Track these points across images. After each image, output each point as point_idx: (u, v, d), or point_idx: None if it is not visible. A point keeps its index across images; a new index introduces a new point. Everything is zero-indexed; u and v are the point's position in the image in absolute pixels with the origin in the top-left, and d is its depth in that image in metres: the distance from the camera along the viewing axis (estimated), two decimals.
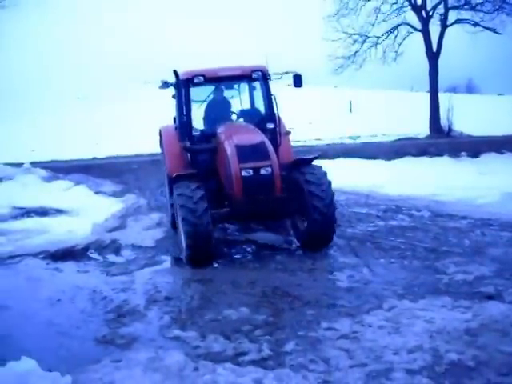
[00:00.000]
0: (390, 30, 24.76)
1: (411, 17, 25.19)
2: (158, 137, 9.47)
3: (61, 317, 5.38)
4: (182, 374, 3.86)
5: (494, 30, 23.94)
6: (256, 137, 7.71)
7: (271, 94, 8.46)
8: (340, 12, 24.22)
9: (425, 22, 24.62)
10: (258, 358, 4.13)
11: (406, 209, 10.22)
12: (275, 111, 8.39)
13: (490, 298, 5.31)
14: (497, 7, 23.41)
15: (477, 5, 23.92)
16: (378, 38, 24.64)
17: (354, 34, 24.62)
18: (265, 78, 8.58)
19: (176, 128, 8.82)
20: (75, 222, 9.84)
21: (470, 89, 62.34)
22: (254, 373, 3.80)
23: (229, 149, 7.43)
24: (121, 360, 4.13)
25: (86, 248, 8.19)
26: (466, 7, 24.21)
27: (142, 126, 24.41)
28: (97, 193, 12.94)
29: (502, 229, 8.44)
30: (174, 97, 9.21)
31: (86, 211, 10.78)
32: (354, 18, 24.62)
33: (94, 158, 17.41)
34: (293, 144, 9.51)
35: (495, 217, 9.19)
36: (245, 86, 9.34)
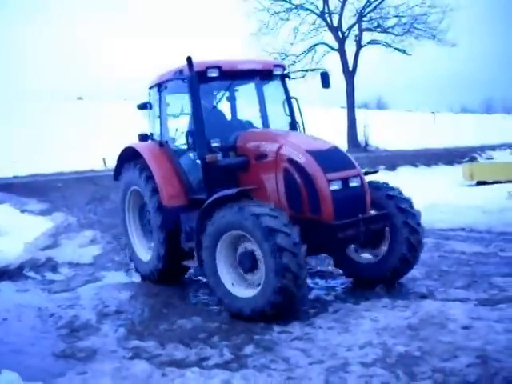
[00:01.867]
0: (308, 49, 25.82)
1: (328, 37, 26.42)
2: (118, 159, 7.71)
3: (11, 335, 5.31)
4: (151, 380, 3.98)
5: (403, 51, 25.61)
6: (323, 141, 6.32)
7: (291, 97, 7.18)
8: (261, 31, 25.00)
9: (341, 41, 25.90)
10: (221, 361, 4.32)
11: None
12: (300, 118, 7.14)
13: (423, 297, 5.78)
14: (406, 30, 25.15)
15: (388, 28, 25.55)
16: (296, 56, 25.62)
17: (274, 53, 25.45)
18: (285, 76, 7.18)
19: (161, 145, 7.11)
20: (4, 241, 9.56)
21: (381, 105, 65.41)
22: (221, 375, 3.98)
23: (300, 157, 5.76)
24: (86, 372, 4.19)
25: (21, 267, 8.07)
26: (378, 29, 25.78)
27: (62, 143, 23.90)
28: (23, 211, 12.53)
29: (426, 236, 9.06)
30: (149, 107, 7.64)
31: (14, 230, 10.45)
32: (274, 38, 25.50)
33: (16, 177, 16.87)
34: None
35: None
36: (255, 86, 7.32)
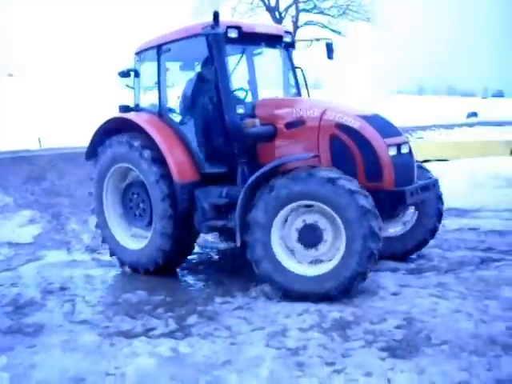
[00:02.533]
0: None
1: (266, 17, 26.67)
2: (96, 133, 6.84)
3: None
4: (101, 350, 4.14)
5: (339, 33, 26.20)
6: (360, 108, 6.10)
7: (296, 67, 6.80)
8: (199, 11, 24.96)
9: (278, 22, 26.20)
10: (166, 331, 4.50)
11: None
12: (306, 89, 6.83)
13: None
14: (341, 13, 25.74)
15: (324, 9, 26.06)
16: None
17: None
18: (290, 44, 6.70)
19: (160, 115, 6.44)
20: None
21: (317, 86, 66.30)
22: (167, 343, 4.19)
23: (352, 122, 5.40)
24: (35, 345, 4.30)
25: None
26: (315, 11, 26.25)
27: None
28: None
29: None
30: (135, 75, 6.91)
31: None
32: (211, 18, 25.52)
33: None
34: None
35: None
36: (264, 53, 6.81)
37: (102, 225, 6.88)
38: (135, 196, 6.61)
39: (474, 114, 38.04)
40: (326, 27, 26.25)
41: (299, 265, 5.15)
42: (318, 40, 6.99)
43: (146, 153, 6.15)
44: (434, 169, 13.41)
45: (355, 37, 28.73)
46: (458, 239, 7.25)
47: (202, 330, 4.49)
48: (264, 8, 26.28)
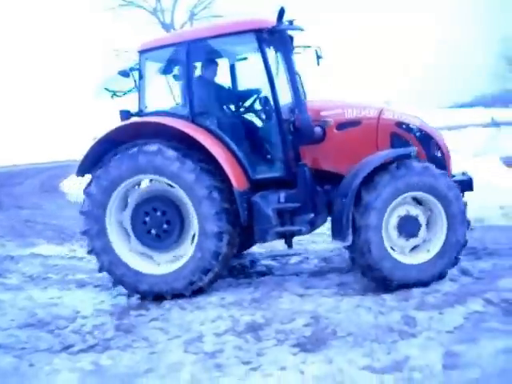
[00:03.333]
0: None
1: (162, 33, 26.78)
2: (99, 142, 5.87)
3: None
4: (20, 371, 4.15)
5: None
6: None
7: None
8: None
9: None
10: (85, 346, 4.56)
11: None
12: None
13: (263, 274, 6.47)
14: None
15: None
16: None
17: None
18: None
19: (194, 119, 5.87)
20: None
21: None
22: (88, 357, 4.27)
23: (413, 120, 5.94)
24: None
25: None
26: None
27: None
28: None
29: None
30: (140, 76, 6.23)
31: None
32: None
33: None
34: None
35: None
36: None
37: (104, 249, 5.85)
38: (156, 214, 5.82)
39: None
40: None
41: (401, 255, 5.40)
42: (308, 47, 6.44)
43: (190, 163, 5.56)
44: None
45: None
46: None
47: (120, 342, 4.60)
48: (159, 25, 26.49)
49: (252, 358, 4.07)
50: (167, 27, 26.44)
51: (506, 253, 6.48)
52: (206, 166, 5.62)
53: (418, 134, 5.92)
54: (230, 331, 4.64)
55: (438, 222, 5.39)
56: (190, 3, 26.58)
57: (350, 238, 5.25)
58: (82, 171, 6.12)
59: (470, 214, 5.62)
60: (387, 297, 5.15)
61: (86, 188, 5.91)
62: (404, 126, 5.92)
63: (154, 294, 5.71)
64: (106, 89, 6.70)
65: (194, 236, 5.74)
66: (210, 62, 6.37)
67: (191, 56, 5.93)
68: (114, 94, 6.72)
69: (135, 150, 5.68)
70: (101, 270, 5.94)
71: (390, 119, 5.92)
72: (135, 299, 5.79)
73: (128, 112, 6.37)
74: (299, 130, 5.63)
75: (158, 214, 5.81)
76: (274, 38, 5.53)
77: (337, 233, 5.42)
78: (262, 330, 4.61)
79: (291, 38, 6.07)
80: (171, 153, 5.59)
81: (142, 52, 6.23)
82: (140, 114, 6.30)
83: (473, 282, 5.45)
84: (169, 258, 5.96)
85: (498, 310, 4.62)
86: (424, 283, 5.28)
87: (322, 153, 5.88)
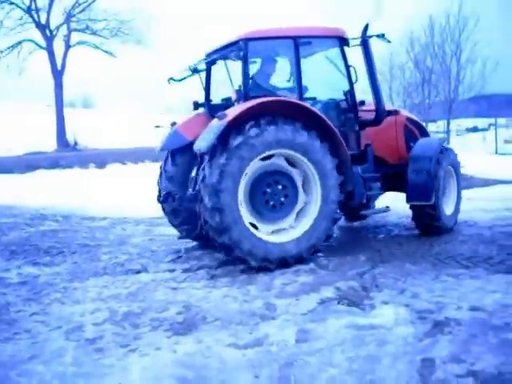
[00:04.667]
0: (13, 45, 25.02)
1: (38, 34, 25.95)
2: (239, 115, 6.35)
3: None
4: None
5: (111, 54, 26.73)
6: None
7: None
8: None
9: (49, 40, 25.68)
10: None
11: (52, 215, 11.26)
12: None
13: (138, 272, 6.88)
14: (113, 34, 26.31)
15: (97, 30, 26.36)
16: (1, 52, 24.63)
17: None
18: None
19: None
20: None
21: (88, 105, 65.38)
22: None
23: (415, 117, 9.26)
24: None
25: None
26: (87, 31, 26.36)
27: None
28: None
29: (137, 224, 10.33)
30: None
31: None
32: None
33: None
34: None
35: (130, 215, 11.07)
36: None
37: (235, 221, 6.33)
38: (277, 189, 6.79)
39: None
40: (98, 48, 26.59)
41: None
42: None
43: (318, 141, 6.75)
44: None
45: (127, 57, 29.66)
46: None
47: (1, 335, 4.80)
48: (33, 24, 25.57)
49: (130, 342, 4.50)
50: (42, 27, 25.59)
51: (353, 247, 7.47)
52: (328, 145, 6.90)
53: (418, 126, 8.79)
54: (108, 321, 5.03)
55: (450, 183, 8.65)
56: (68, 4, 26.05)
57: (433, 198, 7.87)
58: (209, 147, 6.41)
59: None
60: (251, 288, 5.82)
61: (215, 159, 6.36)
62: (411, 121, 8.74)
63: (280, 261, 6.54)
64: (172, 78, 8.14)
65: (299, 210, 6.98)
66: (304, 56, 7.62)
67: (298, 49, 7.14)
68: (172, 79, 8.15)
69: (273, 126, 6.51)
70: (223, 246, 6.49)
71: (404, 116, 8.70)
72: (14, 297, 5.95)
73: (197, 102, 8.07)
74: (376, 116, 7.70)
75: (279, 187, 6.81)
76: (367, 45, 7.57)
77: (421, 196, 7.91)
78: (139, 318, 5.05)
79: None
80: (304, 131, 6.66)
81: (247, 40, 7.03)
82: (208, 103, 7.97)
83: (327, 274, 6.27)
84: (270, 229, 6.81)
85: (345, 295, 5.44)
86: None
87: (367, 137, 7.88)
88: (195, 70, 8.00)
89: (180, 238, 8.15)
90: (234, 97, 7.65)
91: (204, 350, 4.24)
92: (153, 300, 5.56)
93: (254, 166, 6.59)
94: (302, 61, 7.30)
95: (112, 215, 11.32)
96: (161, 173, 7.96)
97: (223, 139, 6.39)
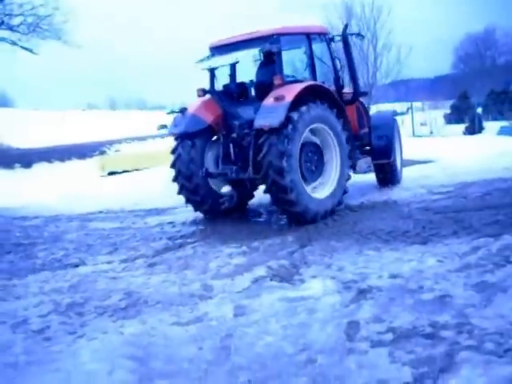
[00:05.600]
0: None
1: None
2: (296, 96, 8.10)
3: None
4: None
5: (30, 50, 25.97)
6: None
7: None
8: None
9: None
10: None
11: None
12: None
13: (77, 265, 7.04)
14: (32, 30, 25.53)
15: (14, 26, 25.49)
16: None
17: None
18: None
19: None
20: None
21: (5, 103, 62.93)
22: None
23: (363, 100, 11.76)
24: None
25: None
26: (3, 27, 25.46)
27: None
28: None
29: (70, 220, 10.40)
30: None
31: None
32: None
33: None
34: None
35: (62, 213, 11.10)
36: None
37: (295, 183, 8.00)
38: (311, 155, 8.62)
39: (165, 126, 41.18)
40: (15, 44, 25.75)
41: None
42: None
43: (338, 118, 8.83)
44: (133, 178, 14.92)
45: (48, 54, 28.83)
46: (159, 232, 8.70)
47: None
48: None
49: (77, 329, 4.72)
50: None
51: (281, 229, 7.93)
52: (341, 120, 8.96)
53: (364, 106, 10.81)
54: (53, 312, 5.21)
55: None
56: None
57: (392, 156, 10.62)
58: (281, 122, 7.88)
59: None
60: (188, 272, 6.14)
61: (283, 131, 7.91)
62: (361, 103, 10.62)
63: (323, 215, 8.42)
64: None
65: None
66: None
67: (311, 44, 9.16)
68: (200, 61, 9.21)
69: (314, 105, 8.35)
70: (287, 202, 8.06)
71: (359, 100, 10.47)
72: None
73: (204, 90, 9.26)
74: (353, 96, 10.01)
75: (315, 156, 8.70)
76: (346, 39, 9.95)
77: (384, 155, 10.52)
78: (83, 307, 5.27)
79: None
80: (331, 109, 8.69)
81: (279, 35, 8.62)
82: (214, 90, 9.33)
83: (259, 255, 6.67)
84: (309, 188, 8.47)
85: (277, 272, 5.85)
86: None
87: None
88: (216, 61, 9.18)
89: (204, 213, 9.49)
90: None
91: (149, 330, 4.53)
92: (94, 290, 5.78)
93: (302, 136, 8.24)
94: (296, 52, 9.40)
95: (44, 213, 11.28)
96: (178, 155, 8.95)
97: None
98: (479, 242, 6.08)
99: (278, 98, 7.96)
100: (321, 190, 8.71)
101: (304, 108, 8.16)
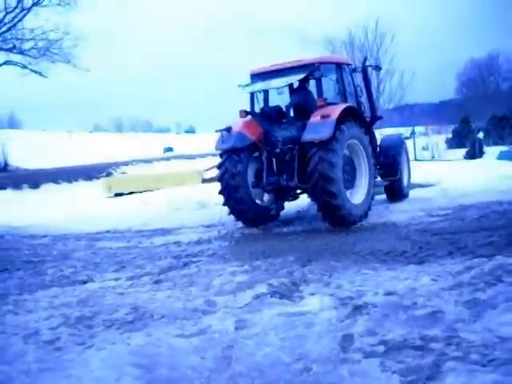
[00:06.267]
0: None
1: None
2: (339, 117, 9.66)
3: None
4: None
5: (40, 73, 26.56)
6: None
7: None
8: None
9: None
10: None
11: None
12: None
13: (85, 282, 7.30)
14: (42, 54, 26.16)
15: (25, 50, 26.12)
16: None
17: None
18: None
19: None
20: None
21: (14, 125, 63.79)
22: None
23: None
24: None
25: None
26: (14, 51, 26.09)
27: None
28: None
29: (78, 239, 10.67)
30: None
31: None
32: None
33: None
34: None
35: (70, 232, 11.41)
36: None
37: (342, 189, 9.64)
38: (346, 167, 9.96)
39: (170, 149, 41.83)
40: (26, 67, 26.36)
41: None
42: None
43: (367, 135, 10.65)
44: (140, 199, 15.20)
45: (57, 77, 29.47)
46: (164, 251, 8.98)
47: None
48: None
49: (86, 341, 4.97)
50: None
51: (281, 249, 8.17)
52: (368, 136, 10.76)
53: (373, 130, 11.84)
54: (63, 325, 5.45)
55: None
56: None
57: (398, 174, 12.10)
58: (330, 135, 9.42)
59: None
60: (192, 289, 6.39)
61: (330, 145, 9.45)
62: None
63: (359, 218, 10.04)
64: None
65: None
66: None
67: (342, 72, 11.06)
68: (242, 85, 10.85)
69: (351, 124, 9.94)
70: (334, 207, 9.59)
71: None
72: None
73: (246, 111, 10.79)
74: (371, 119, 11.75)
75: (349, 168, 10.18)
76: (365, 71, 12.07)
77: (390, 173, 11.91)
78: (92, 320, 5.52)
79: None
80: (361, 128, 10.43)
81: (320, 64, 10.44)
82: (254, 111, 11.00)
83: (260, 274, 6.92)
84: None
85: (277, 290, 6.10)
86: None
87: None
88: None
89: (247, 222, 10.77)
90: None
91: (154, 341, 4.77)
92: (102, 304, 6.03)
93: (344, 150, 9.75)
94: (327, 79, 10.86)
95: (52, 233, 11.59)
96: (225, 169, 10.20)
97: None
98: (473, 262, 6.32)
99: (324, 116, 9.47)
100: (355, 197, 10.22)
101: (344, 126, 9.66)
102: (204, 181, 20.21)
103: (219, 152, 10.49)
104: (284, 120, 10.84)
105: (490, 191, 12.53)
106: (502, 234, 7.73)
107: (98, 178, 21.99)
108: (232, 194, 10.15)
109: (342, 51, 32.39)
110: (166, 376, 4.06)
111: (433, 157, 31.60)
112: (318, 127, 9.40)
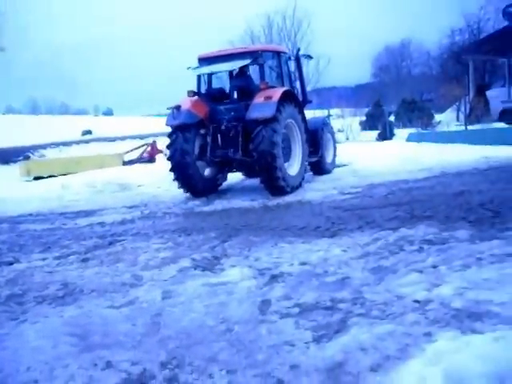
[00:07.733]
0: None
1: None
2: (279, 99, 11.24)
3: None
4: None
5: None
6: None
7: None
8: None
9: None
10: None
11: None
12: None
13: (11, 263, 7.38)
14: None
15: None
16: None
17: None
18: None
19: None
20: None
21: None
22: None
23: None
24: None
25: None
26: None
27: None
28: None
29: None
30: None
31: None
32: None
33: None
34: None
35: None
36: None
37: (282, 163, 11.21)
38: (284, 142, 11.49)
39: (89, 132, 40.95)
40: None
41: None
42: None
43: (300, 115, 12.26)
44: (60, 183, 15.13)
45: None
46: (89, 231, 9.16)
47: None
48: None
49: (19, 316, 5.17)
50: None
51: (202, 226, 8.59)
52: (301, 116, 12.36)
53: None
54: None
55: None
56: None
57: (320, 153, 13.70)
58: (273, 114, 10.90)
59: None
60: (119, 265, 6.70)
61: (274, 122, 10.95)
62: None
63: (295, 187, 11.79)
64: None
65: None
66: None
67: (281, 60, 12.69)
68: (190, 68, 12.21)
69: (288, 104, 11.44)
70: (276, 178, 11.11)
71: None
72: None
73: (194, 91, 12.06)
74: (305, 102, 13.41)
75: (286, 144, 11.62)
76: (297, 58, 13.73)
77: (313, 153, 13.35)
78: (22, 297, 5.72)
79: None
80: (296, 108, 11.96)
81: (263, 51, 12.09)
82: (200, 92, 12.34)
83: (184, 250, 7.30)
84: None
85: (200, 263, 6.51)
86: None
87: None
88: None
89: (196, 194, 11.94)
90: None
91: (86, 313, 5.08)
92: (32, 283, 6.23)
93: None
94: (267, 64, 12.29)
95: None
96: (175, 148, 11.40)
97: None
98: (380, 235, 7.01)
99: (267, 98, 10.92)
100: (291, 169, 11.68)
101: (282, 107, 11.05)
102: (125, 163, 20.23)
103: (169, 129, 11.72)
104: (227, 101, 12.15)
105: (398, 171, 13.47)
106: (407, 209, 8.51)
107: (15, 162, 21.46)
108: (183, 171, 11.41)
109: (261, 35, 32.83)
110: (100, 342, 4.39)
111: (347, 138, 32.85)
112: (262, 107, 10.80)
